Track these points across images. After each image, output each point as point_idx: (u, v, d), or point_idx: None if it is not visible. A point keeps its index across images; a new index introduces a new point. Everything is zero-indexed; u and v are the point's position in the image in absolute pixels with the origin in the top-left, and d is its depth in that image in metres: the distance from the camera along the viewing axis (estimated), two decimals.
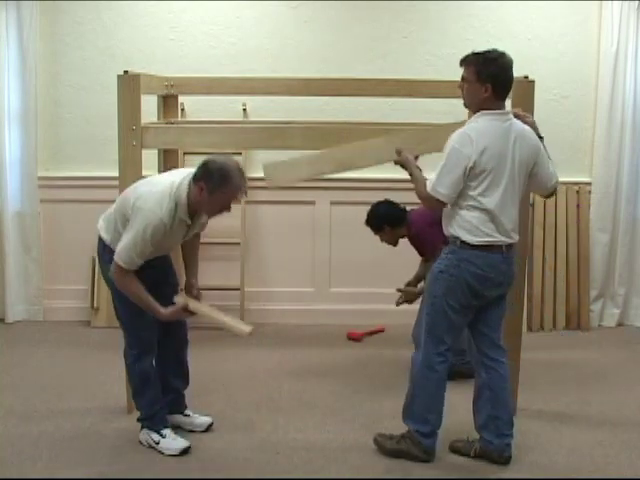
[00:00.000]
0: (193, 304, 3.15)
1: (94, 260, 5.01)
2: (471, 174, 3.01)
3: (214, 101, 4.53)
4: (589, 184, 5.16)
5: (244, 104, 4.83)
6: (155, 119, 4.25)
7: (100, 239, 3.21)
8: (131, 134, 3.38)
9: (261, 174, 5.17)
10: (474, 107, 3.08)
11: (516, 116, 3.14)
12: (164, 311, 3.08)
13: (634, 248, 5.21)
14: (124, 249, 2.97)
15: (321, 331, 4.66)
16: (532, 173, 3.12)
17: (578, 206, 5.15)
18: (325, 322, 4.90)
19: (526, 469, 3.13)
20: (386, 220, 4.01)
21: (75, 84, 5.01)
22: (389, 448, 3.24)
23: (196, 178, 2.98)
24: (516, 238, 3.14)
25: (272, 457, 3.20)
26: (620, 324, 5.25)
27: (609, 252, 5.21)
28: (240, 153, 4.96)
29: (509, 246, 3.11)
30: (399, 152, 3.24)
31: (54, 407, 3.67)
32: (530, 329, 5.06)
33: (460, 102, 4.39)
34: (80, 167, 5.03)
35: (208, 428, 3.42)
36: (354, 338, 4.71)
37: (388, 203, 4.06)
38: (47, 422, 3.49)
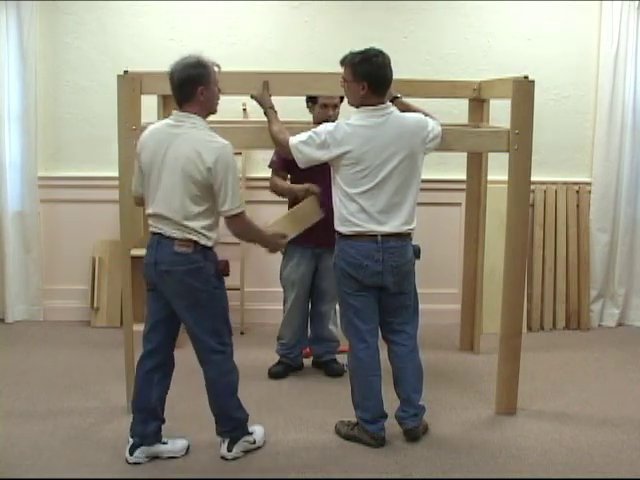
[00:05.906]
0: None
1: (94, 260, 5.01)
2: (339, 165, 3.14)
3: None
4: (589, 184, 5.16)
5: (244, 104, 4.83)
6: (155, 119, 4.24)
7: (187, 252, 2.94)
8: (131, 134, 3.38)
9: (261, 174, 5.17)
10: (355, 104, 3.21)
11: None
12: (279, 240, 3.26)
13: (634, 248, 5.21)
14: (235, 193, 2.90)
15: None
16: (427, 148, 3.23)
17: (578, 206, 5.15)
18: None
19: (526, 469, 3.13)
20: None
21: (75, 84, 5.00)
22: (344, 433, 3.37)
23: (189, 94, 2.95)
24: (401, 228, 3.18)
25: (272, 457, 3.20)
26: (620, 324, 5.25)
27: (609, 252, 5.21)
28: (240, 153, 4.96)
29: (391, 235, 3.16)
30: (266, 85, 3.48)
31: (54, 407, 3.67)
32: (530, 329, 5.06)
33: (460, 102, 4.43)
34: (80, 167, 5.02)
35: (187, 451, 3.19)
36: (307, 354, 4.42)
37: None
38: (47, 422, 3.49)
